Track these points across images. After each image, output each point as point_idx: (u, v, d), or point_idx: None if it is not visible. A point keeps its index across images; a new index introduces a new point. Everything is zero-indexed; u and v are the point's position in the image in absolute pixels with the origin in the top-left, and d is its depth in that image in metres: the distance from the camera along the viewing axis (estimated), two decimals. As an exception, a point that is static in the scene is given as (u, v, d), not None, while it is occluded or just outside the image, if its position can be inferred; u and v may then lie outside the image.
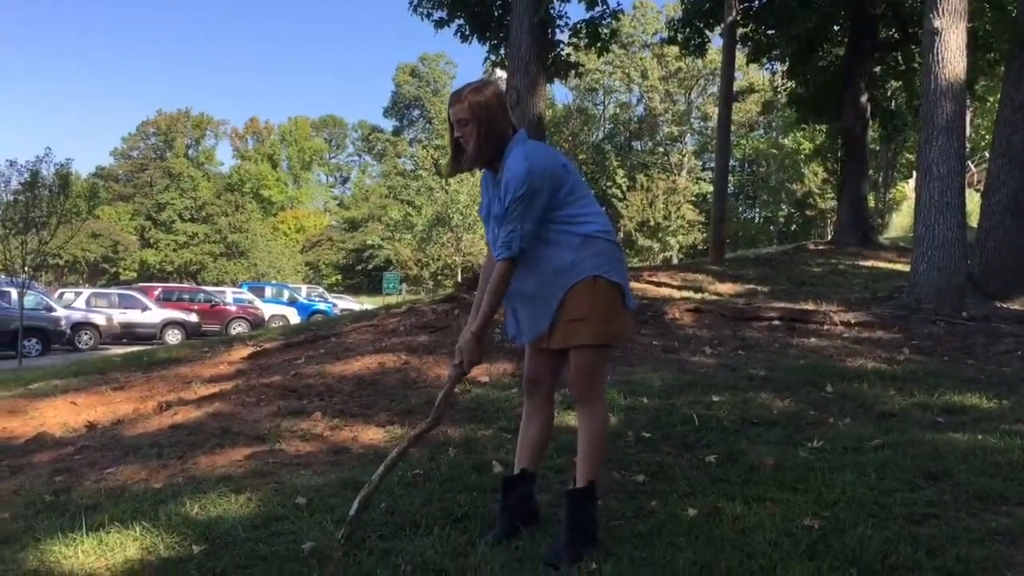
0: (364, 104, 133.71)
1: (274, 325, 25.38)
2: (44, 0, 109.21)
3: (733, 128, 48.20)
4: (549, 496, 3.81)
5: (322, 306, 34.84)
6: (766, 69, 24.32)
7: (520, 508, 3.48)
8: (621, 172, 51.50)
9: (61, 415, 6.81)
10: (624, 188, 47.92)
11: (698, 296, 10.73)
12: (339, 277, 68.79)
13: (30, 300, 20.04)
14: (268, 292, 36.33)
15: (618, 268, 3.37)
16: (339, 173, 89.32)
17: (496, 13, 12.35)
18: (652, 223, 45.54)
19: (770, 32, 18.47)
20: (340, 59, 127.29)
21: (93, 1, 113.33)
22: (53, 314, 22.74)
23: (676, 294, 11.04)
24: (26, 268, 17.81)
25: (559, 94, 64.77)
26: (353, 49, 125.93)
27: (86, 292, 29.50)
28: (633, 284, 11.86)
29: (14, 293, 19.29)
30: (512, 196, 3.18)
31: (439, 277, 42.36)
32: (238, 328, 27.44)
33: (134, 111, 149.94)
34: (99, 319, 24.76)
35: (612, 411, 5.33)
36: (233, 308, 30.10)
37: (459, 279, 28.04)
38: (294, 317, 30.04)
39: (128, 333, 25.78)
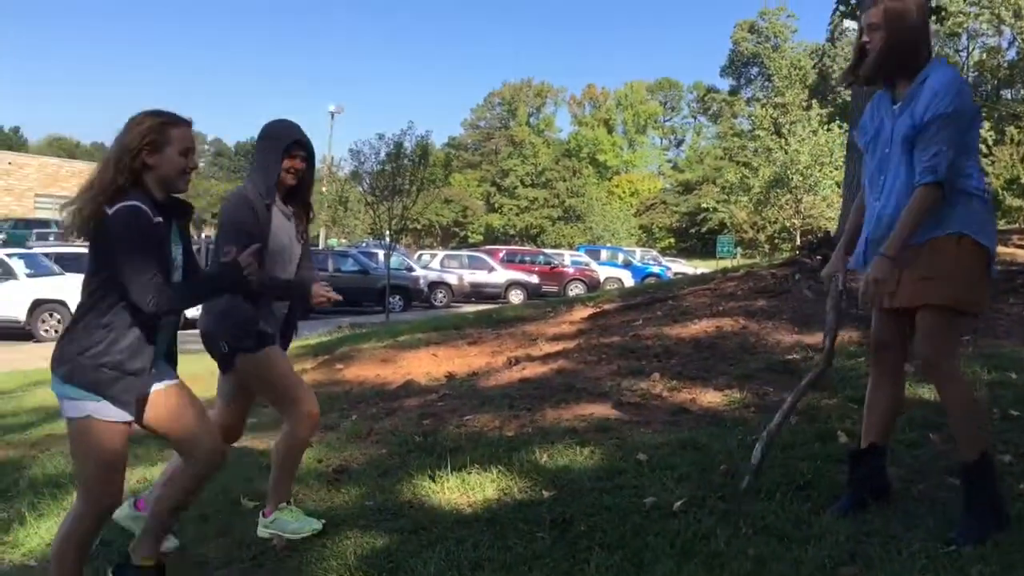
0: (700, 65, 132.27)
1: (609, 287, 26.03)
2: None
3: None
4: (901, 471, 3.63)
5: (655, 269, 35.15)
6: None
7: (869, 482, 3.34)
8: (987, 124, 46.45)
9: (424, 365, 7.53)
10: (990, 142, 43.22)
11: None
12: (672, 240, 68.84)
13: (394, 261, 22.18)
14: (603, 255, 37.28)
15: (989, 230, 3.10)
16: (673, 136, 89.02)
17: (846, -40, 11.64)
18: (1024, 181, 40.74)
19: None
20: (675, 21, 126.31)
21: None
22: (413, 274, 25.08)
23: (1053, 260, 9.84)
24: (391, 232, 19.63)
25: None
26: (689, 9, 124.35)
27: (440, 254, 32.13)
28: (1000, 248, 10.76)
29: (381, 254, 21.44)
30: (935, 112, 2.96)
31: (776, 241, 40.97)
32: (575, 290, 28.47)
33: (482, 83, 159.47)
34: (452, 279, 26.95)
35: (975, 386, 4.91)
36: (571, 270, 31.27)
37: (798, 242, 26.96)
38: (628, 280, 30.57)
39: (476, 292, 27.76)
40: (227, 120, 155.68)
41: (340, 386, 7.34)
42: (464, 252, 34.15)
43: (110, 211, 2.73)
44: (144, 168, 2.82)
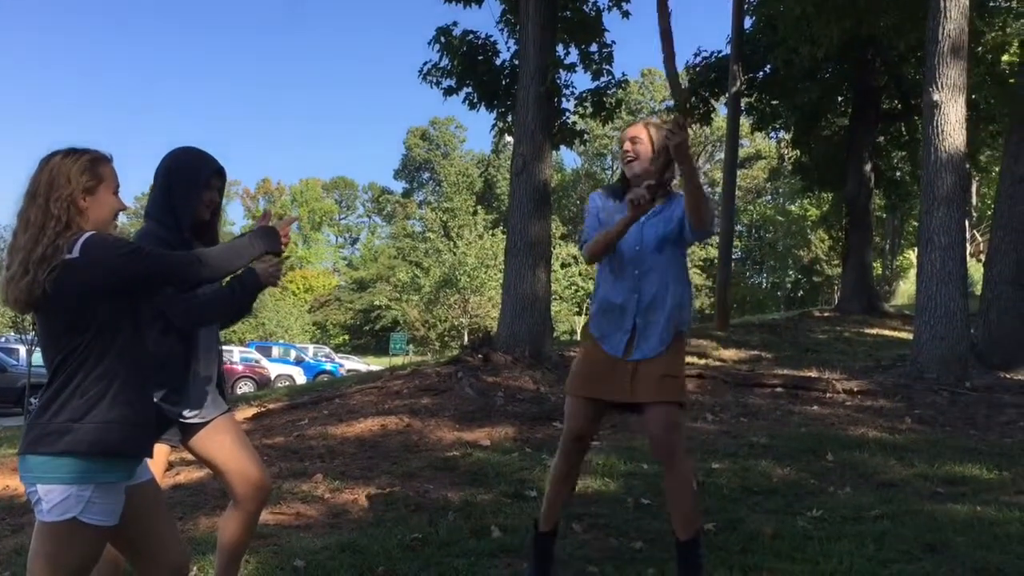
0: (375, 166, 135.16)
1: (280, 385, 25.38)
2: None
3: (741, 194, 48.71)
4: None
5: (328, 366, 34.77)
6: (771, 137, 24.65)
7: (551, 560, 3.59)
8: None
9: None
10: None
11: (701, 362, 10.76)
12: (346, 337, 68.79)
13: (37, 357, 20.12)
14: (275, 352, 36.26)
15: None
16: (348, 234, 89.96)
17: (504, 82, 12.57)
18: (659, 286, 45.66)
19: (774, 102, 18.77)
20: (352, 122, 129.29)
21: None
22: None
23: (680, 360, 11.05)
24: (35, 325, 17.85)
25: (568, 158, 65.57)
26: (364, 113, 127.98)
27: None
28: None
29: (23, 350, 19.38)
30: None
31: (446, 339, 42.41)
32: (244, 388, 27.37)
33: (148, 171, 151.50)
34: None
35: (612, 477, 5.35)
36: (239, 367, 30.04)
37: (465, 341, 28.04)
38: (300, 377, 29.99)
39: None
40: None
41: (-42, 501, 6.44)
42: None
43: (70, 255, 2.29)
44: (78, 215, 2.37)
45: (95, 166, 2.44)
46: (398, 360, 29.68)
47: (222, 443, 3.17)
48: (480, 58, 12.70)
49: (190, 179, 3.10)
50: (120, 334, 2.40)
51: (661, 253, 3.41)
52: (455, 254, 40.00)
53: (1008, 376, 9.75)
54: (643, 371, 3.34)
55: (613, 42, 12.18)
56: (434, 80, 12.99)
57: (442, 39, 12.63)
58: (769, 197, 59.26)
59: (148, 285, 2.49)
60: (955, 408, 8.05)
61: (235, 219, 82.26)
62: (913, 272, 30.72)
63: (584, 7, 12.22)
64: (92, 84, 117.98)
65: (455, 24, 12.64)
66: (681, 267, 3.48)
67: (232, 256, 2.61)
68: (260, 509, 3.28)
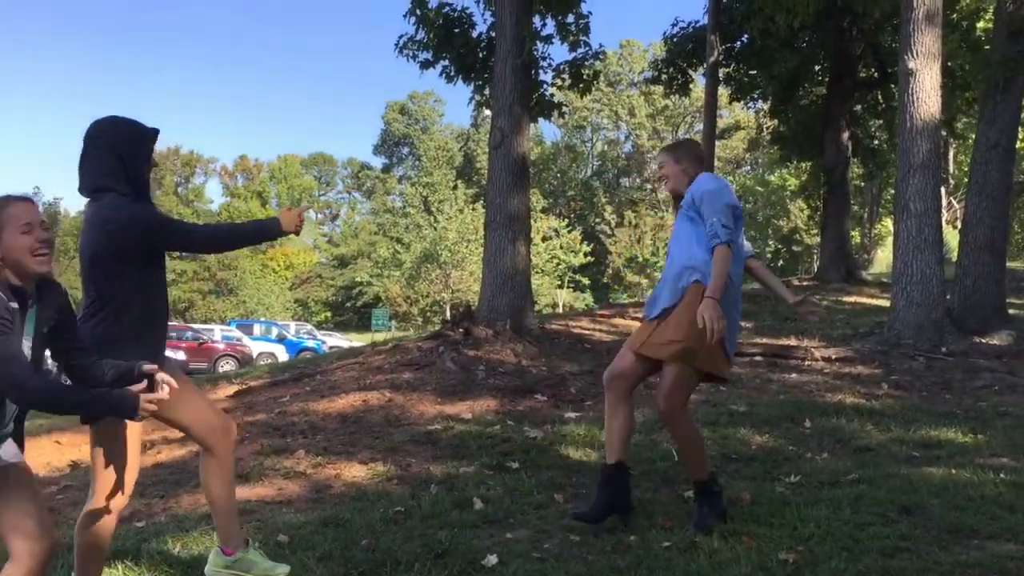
0: (354, 142, 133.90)
1: (262, 363, 25.31)
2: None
3: (720, 164, 48.69)
4: (528, 531, 3.85)
5: (311, 343, 34.67)
6: (749, 107, 24.64)
7: (618, 497, 3.93)
8: (609, 208, 51.77)
9: (45, 455, 6.82)
10: (612, 224, 48.18)
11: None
12: (328, 314, 68.62)
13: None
14: (256, 330, 36.14)
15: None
16: (328, 210, 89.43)
17: (481, 55, 12.50)
18: (640, 259, 45.75)
19: (752, 72, 18.74)
20: (330, 98, 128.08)
21: (75, 44, 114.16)
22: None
23: (661, 330, 11.10)
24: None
25: (548, 131, 65.33)
26: (343, 88, 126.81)
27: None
28: (619, 320, 11.97)
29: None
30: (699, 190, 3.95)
31: (428, 313, 42.42)
32: (226, 366, 27.30)
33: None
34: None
35: (593, 447, 5.39)
36: (221, 346, 29.95)
37: (447, 316, 28.04)
38: (282, 355, 29.90)
39: (115, 372, 25.58)
40: None
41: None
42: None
43: None
44: None
45: None
46: (380, 336, 29.63)
47: (182, 398, 3.13)
48: (456, 31, 12.62)
49: (138, 148, 3.12)
50: None
51: (682, 229, 3.94)
52: (436, 229, 39.91)
53: (983, 341, 9.87)
54: (657, 331, 3.82)
55: (590, 12, 12.13)
56: (410, 54, 12.90)
57: (418, 11, 12.53)
58: (748, 168, 59.32)
59: None
60: (931, 373, 8.14)
61: (213, 197, 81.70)
62: (891, 240, 30.88)
63: (560, -23, 12.13)
64: (61, 58, 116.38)
65: (431, -4, 12.54)
66: (695, 236, 3.85)
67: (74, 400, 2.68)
68: (234, 452, 3.33)
